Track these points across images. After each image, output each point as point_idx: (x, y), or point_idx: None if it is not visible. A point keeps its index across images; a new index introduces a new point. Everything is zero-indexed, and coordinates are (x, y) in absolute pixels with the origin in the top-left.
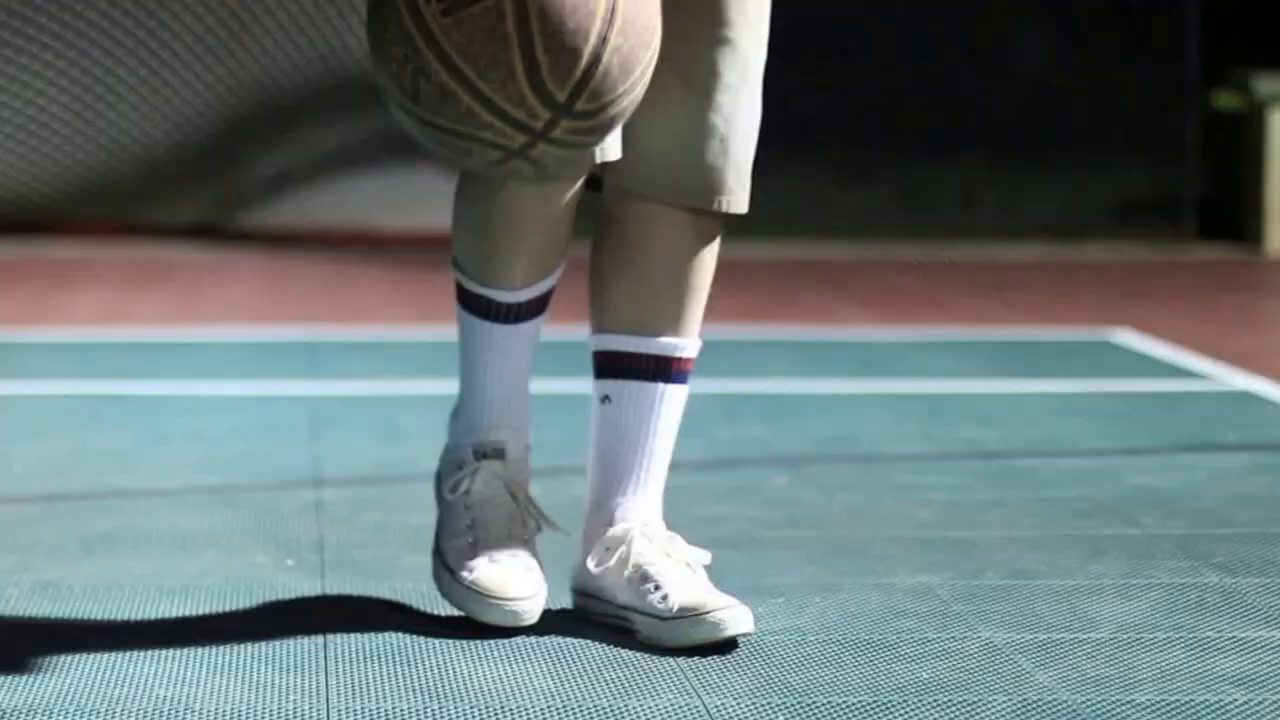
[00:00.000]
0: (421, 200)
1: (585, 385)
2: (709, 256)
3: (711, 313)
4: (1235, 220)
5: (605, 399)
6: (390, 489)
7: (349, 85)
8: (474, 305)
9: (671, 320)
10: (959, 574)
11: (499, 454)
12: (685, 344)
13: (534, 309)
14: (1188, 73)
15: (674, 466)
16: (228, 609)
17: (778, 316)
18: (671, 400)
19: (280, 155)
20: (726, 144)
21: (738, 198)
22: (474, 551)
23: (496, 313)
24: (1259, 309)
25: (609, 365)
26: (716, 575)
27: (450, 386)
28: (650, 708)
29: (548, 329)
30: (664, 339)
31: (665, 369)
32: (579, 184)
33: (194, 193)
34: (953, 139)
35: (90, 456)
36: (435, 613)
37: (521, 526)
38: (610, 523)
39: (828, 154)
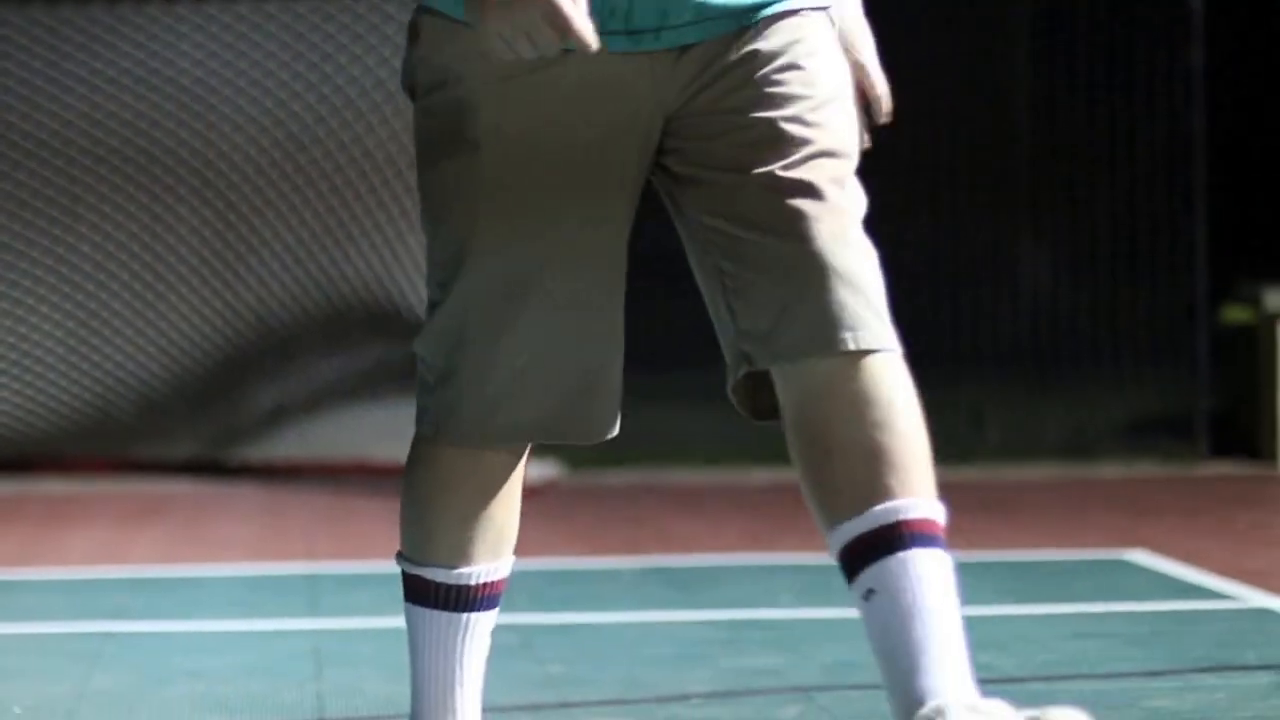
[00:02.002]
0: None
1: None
2: (900, 397)
3: (716, 540)
4: (1248, 435)
5: (869, 593)
6: None
7: (347, 315)
8: (413, 590)
9: (898, 481)
10: None
11: None
12: (923, 501)
13: (477, 601)
14: (1196, 287)
15: (680, 699)
16: None
17: (783, 543)
18: (937, 562)
19: (278, 387)
20: (847, 277)
21: (874, 331)
22: None
23: (436, 595)
24: (1275, 525)
25: (857, 557)
26: None
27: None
28: None
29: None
30: (897, 502)
31: (916, 532)
32: (519, 461)
33: (191, 427)
34: (960, 358)
35: (90, 697)
36: None
37: None
38: (920, 701)
39: None
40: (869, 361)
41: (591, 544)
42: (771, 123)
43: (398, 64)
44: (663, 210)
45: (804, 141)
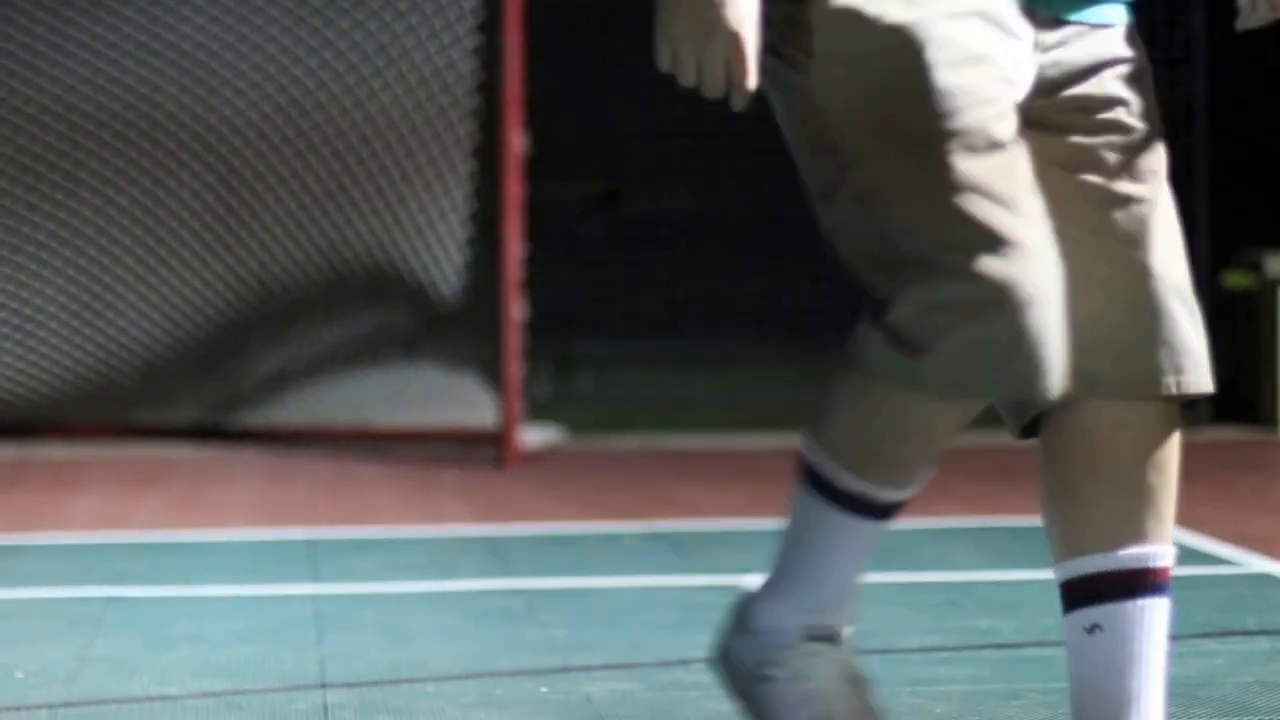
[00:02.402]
0: (423, 397)
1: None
2: (1176, 444)
3: (719, 505)
4: (1249, 401)
5: (1095, 628)
6: (398, 691)
7: (349, 281)
8: (846, 500)
9: (1156, 526)
10: None
11: (832, 639)
12: (1170, 550)
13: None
14: (1197, 253)
15: (683, 663)
16: None
17: (785, 507)
18: (1166, 614)
19: (280, 352)
20: (1175, 311)
21: (1194, 374)
22: None
23: (873, 510)
24: (1275, 490)
25: (1093, 591)
26: None
27: (456, 584)
28: None
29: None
30: (1151, 548)
31: (1158, 582)
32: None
33: (193, 392)
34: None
35: (92, 662)
36: None
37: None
38: None
39: (830, 341)
40: (1174, 404)
41: (595, 509)
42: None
43: (399, 29)
44: (661, 174)
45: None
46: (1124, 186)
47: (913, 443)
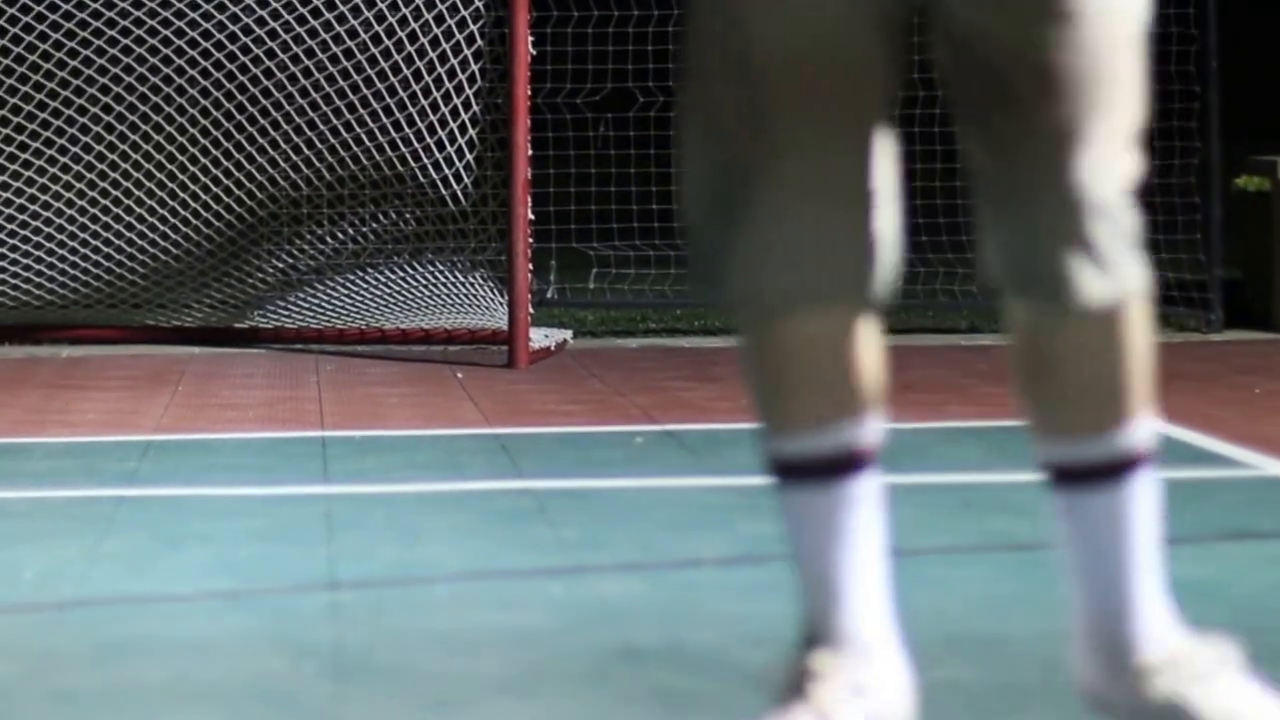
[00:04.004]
0: (433, 299)
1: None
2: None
3: (728, 407)
4: (1263, 304)
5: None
6: (409, 590)
7: (358, 183)
8: (771, 466)
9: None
10: (992, 669)
11: (829, 643)
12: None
13: (832, 464)
14: (1210, 155)
15: (693, 563)
16: (245, 715)
17: None
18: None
19: (289, 255)
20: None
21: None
22: None
23: (784, 469)
24: None
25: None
26: (747, 673)
27: (467, 484)
28: None
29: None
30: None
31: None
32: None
33: (201, 294)
34: (972, 225)
35: (101, 562)
36: (458, 718)
37: None
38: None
39: None
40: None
41: (604, 410)
42: None
43: None
44: (673, 76)
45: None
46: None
47: (779, 370)
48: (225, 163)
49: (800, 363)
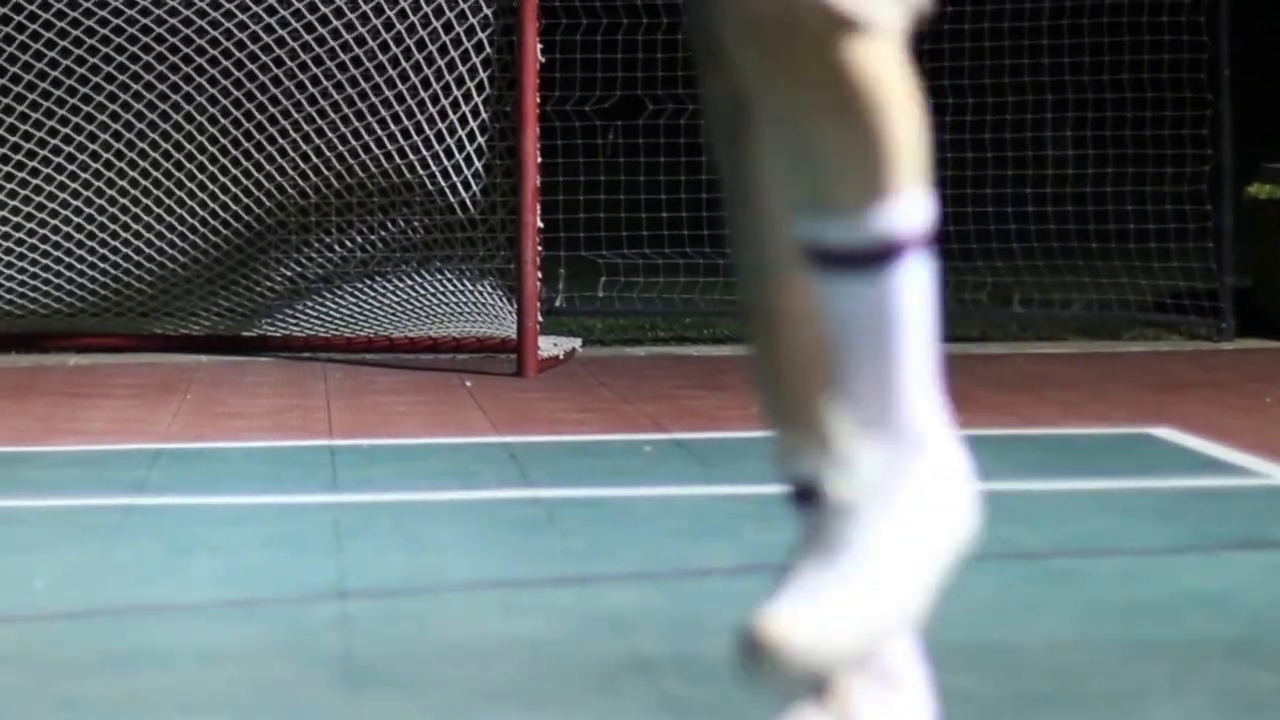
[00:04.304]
0: (441, 307)
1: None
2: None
3: (737, 415)
4: (1274, 312)
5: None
6: (418, 599)
7: (366, 191)
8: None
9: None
10: (1003, 678)
11: None
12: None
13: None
14: (1222, 163)
15: (702, 573)
16: None
17: None
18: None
19: (297, 263)
20: None
21: None
22: None
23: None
24: None
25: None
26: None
27: (476, 493)
28: None
29: None
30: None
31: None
32: None
33: (209, 303)
34: (983, 235)
35: (110, 570)
36: None
37: None
38: None
39: None
40: None
41: (613, 418)
42: None
43: None
44: (682, 84)
45: None
46: None
47: None
48: (233, 171)
49: None
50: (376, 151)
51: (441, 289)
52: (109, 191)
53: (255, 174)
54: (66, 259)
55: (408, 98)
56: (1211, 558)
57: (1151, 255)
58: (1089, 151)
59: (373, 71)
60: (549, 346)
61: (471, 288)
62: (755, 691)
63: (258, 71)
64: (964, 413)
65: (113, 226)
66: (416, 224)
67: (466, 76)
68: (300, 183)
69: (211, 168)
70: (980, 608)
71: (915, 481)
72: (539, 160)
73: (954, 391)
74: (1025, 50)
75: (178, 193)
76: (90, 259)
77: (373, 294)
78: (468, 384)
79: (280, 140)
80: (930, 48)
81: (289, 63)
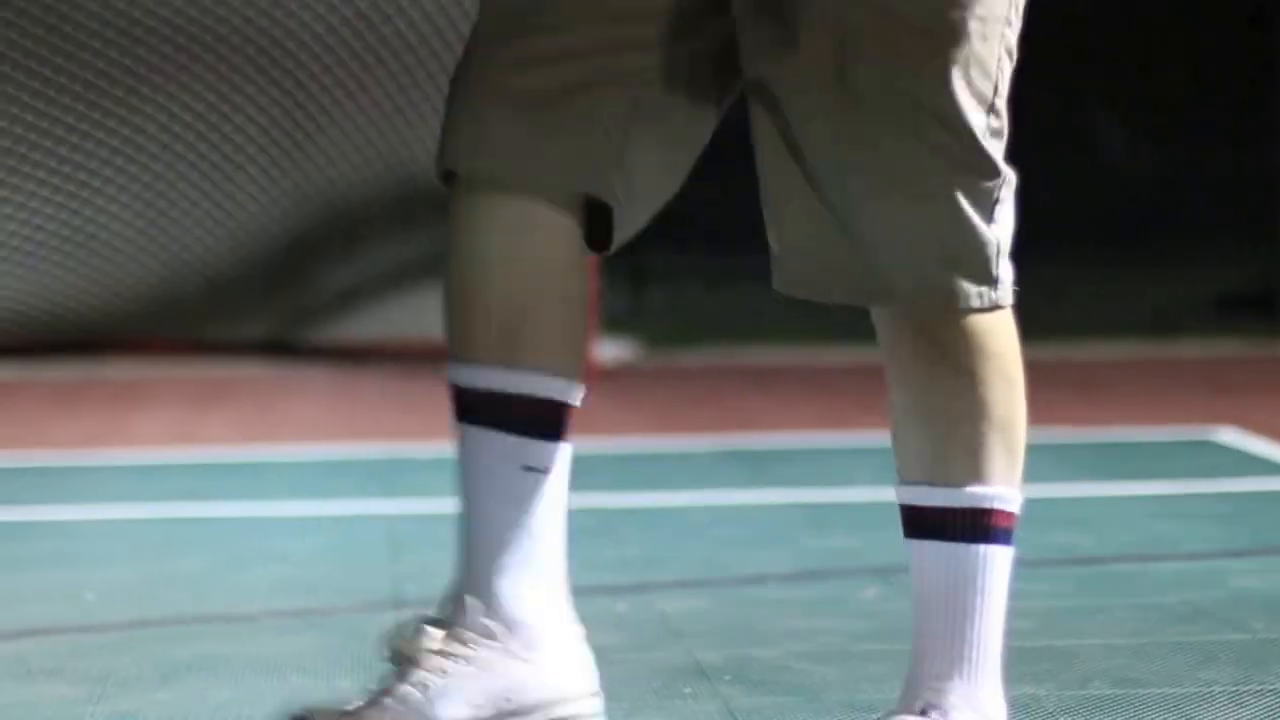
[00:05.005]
0: None
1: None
2: (958, 379)
3: (792, 420)
4: None
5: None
6: None
7: (418, 195)
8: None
9: (935, 462)
10: (1064, 684)
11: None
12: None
13: (505, 412)
14: (1278, 160)
15: (758, 580)
16: None
17: (861, 422)
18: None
19: (350, 268)
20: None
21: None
22: None
23: (459, 405)
24: None
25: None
26: (811, 691)
27: None
28: None
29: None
30: (938, 487)
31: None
32: (577, 235)
33: (262, 308)
34: (1037, 235)
35: (163, 582)
36: None
37: None
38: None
39: None
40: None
41: (669, 424)
42: None
43: None
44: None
45: None
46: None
47: (467, 288)
48: (284, 173)
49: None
50: (431, 149)
51: None
52: (159, 193)
53: (309, 175)
54: (117, 256)
55: None
56: (1272, 561)
57: (1211, 255)
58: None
59: (431, 71)
60: (606, 352)
61: None
62: (811, 700)
63: (312, 68)
64: None
65: (163, 238)
66: None
67: None
68: (355, 183)
69: (268, 171)
70: (1039, 614)
71: None
72: None
73: None
74: (1073, 40)
75: (232, 195)
76: (140, 262)
77: (428, 297)
78: None
79: (336, 142)
80: None
81: (345, 59)
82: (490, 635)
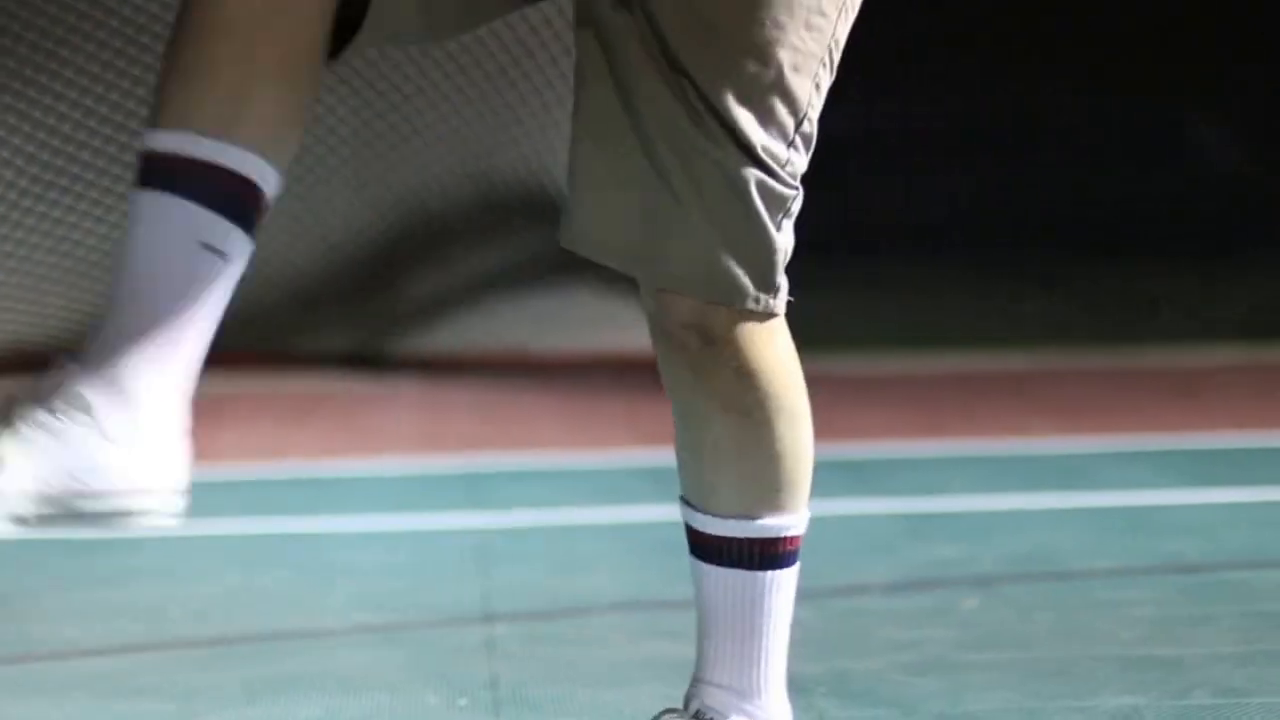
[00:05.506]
0: (585, 322)
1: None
2: (734, 421)
3: (893, 429)
4: None
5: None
6: (566, 623)
7: (506, 205)
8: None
9: (714, 492)
10: (1167, 694)
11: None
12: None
13: (203, 182)
14: None
15: (863, 591)
16: None
17: (960, 430)
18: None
19: (437, 278)
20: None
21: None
22: None
23: (146, 170)
24: None
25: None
26: (909, 703)
27: (622, 514)
28: None
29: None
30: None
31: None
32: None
33: (347, 320)
34: (1137, 239)
35: (249, 598)
36: None
37: None
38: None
39: (1005, 260)
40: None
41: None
42: None
43: None
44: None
45: None
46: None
47: (189, 40)
48: (369, 183)
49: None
50: (518, 153)
51: (583, 301)
52: None
53: (392, 184)
54: None
55: (564, 102)
56: None
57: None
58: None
59: (523, 73)
60: None
61: (614, 301)
62: (910, 712)
63: (402, 72)
64: (1119, 424)
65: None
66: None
67: None
68: (440, 191)
69: (349, 180)
70: (1143, 622)
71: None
72: None
73: (1106, 402)
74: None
75: (313, 205)
76: None
77: (515, 305)
78: (614, 398)
79: (422, 151)
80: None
81: (432, 66)
82: (87, 410)
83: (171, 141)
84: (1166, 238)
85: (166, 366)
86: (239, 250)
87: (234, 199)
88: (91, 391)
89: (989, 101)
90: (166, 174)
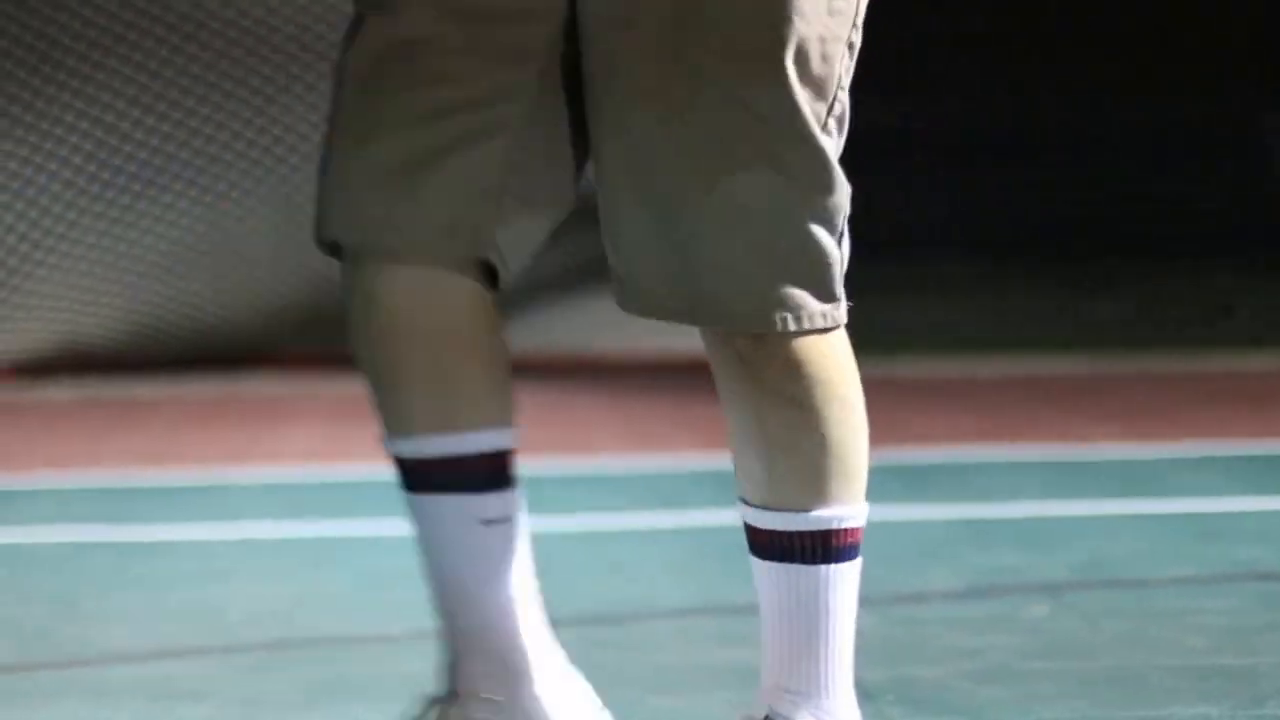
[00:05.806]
0: (640, 324)
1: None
2: (788, 410)
3: (955, 434)
4: None
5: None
6: (623, 628)
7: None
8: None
9: (769, 486)
10: (1240, 704)
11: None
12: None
13: (455, 474)
14: None
15: (927, 598)
16: None
17: (1026, 436)
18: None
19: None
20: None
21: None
22: None
23: (405, 478)
24: None
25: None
26: (975, 711)
27: (683, 518)
28: None
29: None
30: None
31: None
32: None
33: None
34: (1201, 244)
35: (309, 601)
36: None
37: None
38: None
39: (1068, 264)
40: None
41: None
42: None
43: None
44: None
45: None
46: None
47: (381, 363)
48: None
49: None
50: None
51: None
52: (299, 205)
53: None
54: (255, 275)
55: None
56: None
57: None
58: None
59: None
60: None
61: None
62: None
63: None
64: (1186, 429)
65: (308, 245)
66: None
67: None
68: None
69: None
70: (1217, 631)
71: None
72: None
73: (1173, 407)
74: (1235, 44)
75: None
76: (281, 275)
77: (571, 307)
78: (672, 401)
79: None
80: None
81: None
82: (499, 688)
83: (408, 448)
84: (1231, 240)
85: (520, 623)
86: (513, 505)
87: (484, 474)
88: (503, 673)
89: (1053, 104)
90: (423, 476)
